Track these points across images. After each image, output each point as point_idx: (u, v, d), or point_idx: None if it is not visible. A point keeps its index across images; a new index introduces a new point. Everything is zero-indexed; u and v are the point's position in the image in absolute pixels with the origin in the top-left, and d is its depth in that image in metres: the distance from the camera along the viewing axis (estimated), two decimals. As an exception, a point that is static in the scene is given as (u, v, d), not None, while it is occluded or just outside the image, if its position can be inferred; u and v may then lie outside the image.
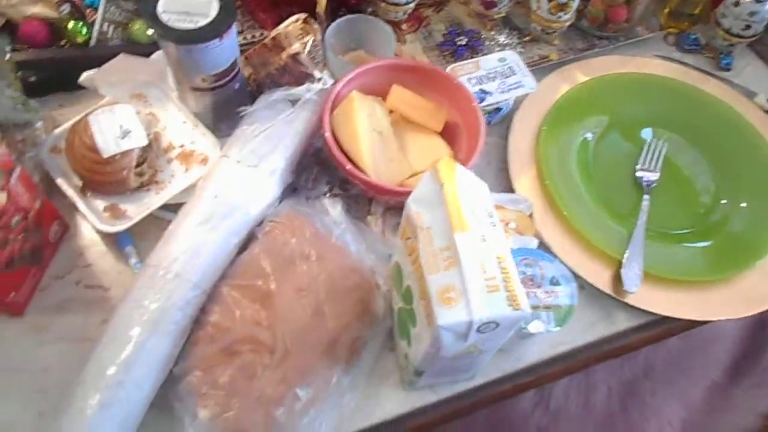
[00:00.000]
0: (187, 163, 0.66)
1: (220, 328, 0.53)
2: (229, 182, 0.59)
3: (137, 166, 0.63)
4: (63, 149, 0.63)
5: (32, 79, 0.70)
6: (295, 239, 0.57)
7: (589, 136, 0.76)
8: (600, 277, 0.66)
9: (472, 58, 0.80)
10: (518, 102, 0.77)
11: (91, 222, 0.61)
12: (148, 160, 0.64)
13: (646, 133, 0.77)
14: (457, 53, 0.81)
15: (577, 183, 0.72)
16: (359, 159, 0.62)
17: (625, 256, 0.66)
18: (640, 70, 0.81)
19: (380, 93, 0.67)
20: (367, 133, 0.63)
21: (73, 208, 0.62)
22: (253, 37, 0.82)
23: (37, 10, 0.68)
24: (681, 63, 0.84)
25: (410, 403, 0.58)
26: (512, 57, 0.75)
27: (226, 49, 0.61)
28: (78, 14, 0.71)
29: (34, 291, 0.60)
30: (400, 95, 0.67)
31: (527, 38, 0.84)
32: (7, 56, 0.63)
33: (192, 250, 0.55)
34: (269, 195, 0.60)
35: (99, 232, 0.62)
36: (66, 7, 0.70)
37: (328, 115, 0.64)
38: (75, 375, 0.51)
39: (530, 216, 0.63)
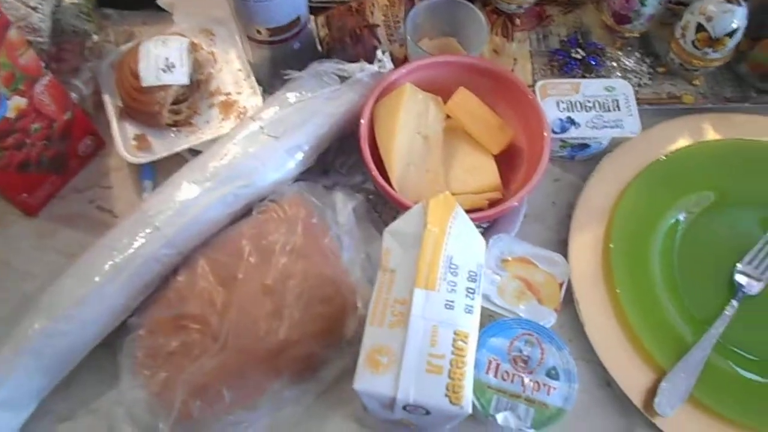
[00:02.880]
0: (226, 112, 0.63)
1: (179, 295, 0.51)
2: (244, 147, 0.55)
3: (176, 103, 0.61)
4: (116, 66, 0.63)
5: (125, -10, 0.71)
6: (284, 229, 0.52)
7: (688, 209, 0.60)
8: (634, 381, 0.53)
9: (584, 76, 0.68)
10: (616, 143, 0.63)
11: (117, 146, 0.60)
12: (190, 100, 0.62)
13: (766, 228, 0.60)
14: (567, 67, 0.69)
15: (649, 260, 0.58)
16: (388, 160, 0.55)
17: (674, 367, 0.52)
18: (796, 145, 0.63)
19: (445, 92, 0.58)
20: (408, 135, 0.55)
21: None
22: (357, -5, 0.75)
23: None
24: None
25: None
26: (623, 88, 0.61)
27: (284, 4, 0.55)
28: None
29: (50, 197, 0.61)
30: (463, 101, 0.57)
31: (661, 69, 0.68)
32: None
33: (180, 207, 0.52)
34: (282, 172, 0.55)
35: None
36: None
37: (373, 101, 0.56)
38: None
39: (561, 285, 0.52)
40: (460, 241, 0.39)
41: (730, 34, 0.60)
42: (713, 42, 0.61)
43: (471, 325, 0.37)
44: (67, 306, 0.49)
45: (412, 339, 0.36)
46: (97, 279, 0.50)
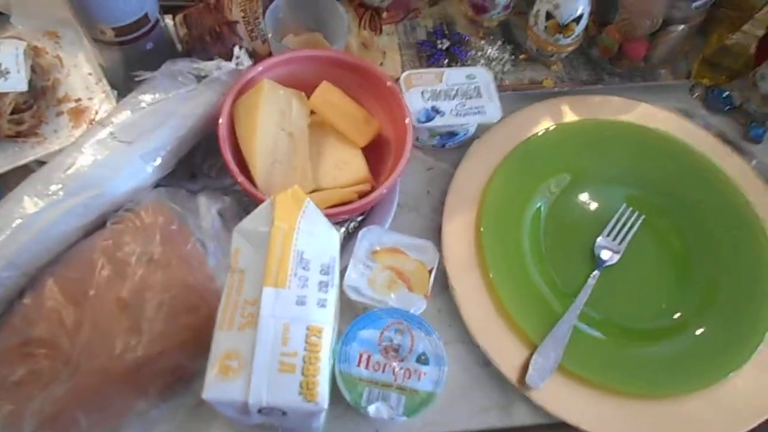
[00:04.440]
0: (77, 120, 0.59)
1: (26, 319, 0.46)
2: (92, 155, 0.51)
3: (16, 112, 0.56)
4: (-54, 77, 0.57)
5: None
6: (141, 238, 0.49)
7: (549, 189, 0.63)
8: (510, 359, 0.55)
9: (449, 66, 0.69)
10: (483, 129, 0.65)
11: (-50, 163, 0.55)
12: (34, 109, 0.57)
13: (621, 202, 0.63)
14: (433, 57, 0.70)
15: (518, 240, 0.60)
16: (250, 159, 0.53)
17: (544, 340, 0.54)
18: (644, 122, 0.67)
19: (308, 87, 0.58)
20: (270, 132, 0.54)
21: (-57, 143, 0.56)
22: (218, -7, 0.73)
23: None
24: (702, 123, 0.70)
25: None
26: (483, 76, 0.63)
27: (128, 1, 0.52)
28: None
29: None
30: (326, 94, 0.57)
31: (522, 56, 0.71)
32: None
33: (22, 223, 0.48)
34: (138, 179, 0.52)
35: (-40, 176, 0.56)
36: None
37: (231, 100, 0.54)
38: None
39: (430, 272, 0.52)
40: (312, 235, 0.39)
41: (577, 20, 0.63)
42: (562, 28, 0.64)
43: (325, 319, 0.37)
44: None
45: (262, 340, 0.35)
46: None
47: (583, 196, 0.63)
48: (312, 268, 0.38)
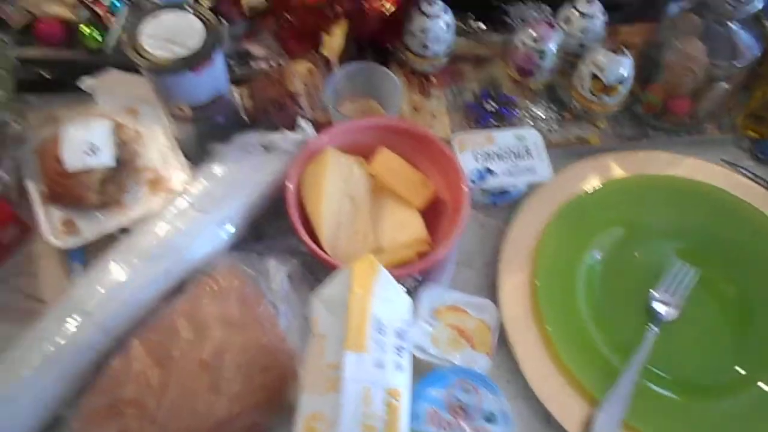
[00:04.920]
0: (155, 189, 0.63)
1: (115, 381, 0.50)
2: (174, 224, 0.55)
3: (102, 184, 0.61)
4: (39, 152, 0.63)
5: (46, 75, 0.71)
6: (219, 301, 0.52)
7: (602, 244, 0.64)
8: (571, 414, 0.55)
9: (498, 127, 0.72)
10: (534, 187, 0.67)
11: (43, 232, 0.59)
12: (117, 180, 0.62)
13: (674, 255, 0.64)
14: (482, 119, 0.73)
15: (573, 294, 0.61)
16: (317, 224, 0.56)
17: (606, 396, 0.55)
18: (693, 176, 0.69)
19: (368, 153, 0.61)
20: (335, 197, 0.57)
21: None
22: (279, 65, 0.78)
23: (56, 9, 0.69)
24: (750, 175, 0.71)
25: None
26: (533, 137, 0.66)
27: (204, 82, 0.57)
28: (96, 20, 0.71)
29: (-25, 290, 0.59)
30: (385, 160, 0.60)
31: (567, 115, 0.74)
32: (8, 53, 0.64)
33: (111, 290, 0.52)
34: (213, 245, 0.56)
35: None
36: (85, 12, 0.70)
37: (299, 168, 0.58)
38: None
39: (491, 330, 0.54)
40: (386, 301, 0.41)
41: (621, 81, 0.66)
42: (607, 89, 0.67)
43: (402, 382, 0.39)
44: (-5, 404, 0.47)
45: (345, 402, 0.37)
46: (26, 373, 0.48)
47: (637, 250, 0.64)
48: (388, 333, 0.40)
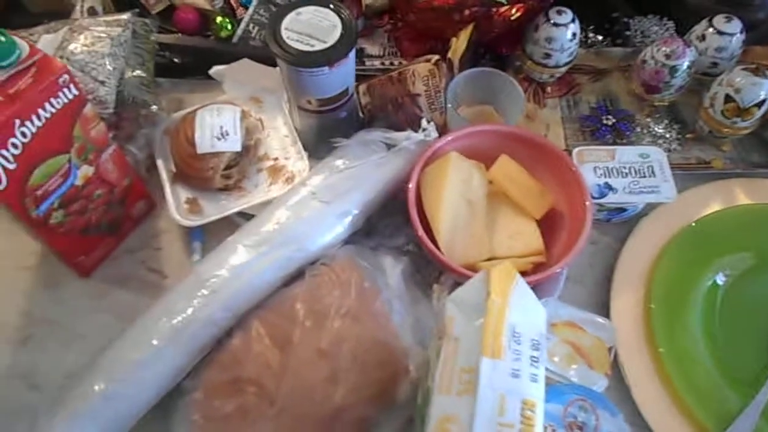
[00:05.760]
0: (274, 177, 0.65)
1: (235, 358, 0.52)
2: (296, 212, 0.57)
3: (227, 168, 0.64)
4: (171, 133, 0.66)
5: (176, 60, 0.75)
6: (338, 292, 0.53)
7: (727, 270, 0.62)
8: (685, 448, 0.53)
9: (615, 142, 0.71)
10: (651, 206, 0.65)
11: (169, 209, 0.62)
12: (240, 165, 0.65)
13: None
14: (598, 133, 0.72)
15: (691, 321, 0.59)
16: (435, 225, 0.57)
17: (725, 433, 0.53)
18: (827, 210, 0.65)
19: (486, 159, 0.61)
20: (454, 200, 0.57)
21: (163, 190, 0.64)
22: (392, 64, 0.79)
23: (195, -1, 0.72)
24: None
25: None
26: (657, 156, 0.63)
27: (336, 77, 0.59)
28: (228, 10, 0.74)
29: (104, 258, 0.63)
30: (505, 167, 0.60)
31: (690, 135, 0.71)
32: (153, 37, 0.67)
33: (236, 270, 0.54)
34: (332, 235, 0.57)
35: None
36: (219, 2, 0.73)
37: (419, 168, 0.59)
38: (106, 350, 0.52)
39: (609, 350, 0.52)
40: (522, 310, 0.41)
41: (758, 105, 0.63)
42: (742, 112, 0.64)
43: (538, 394, 0.38)
44: (127, 368, 0.50)
45: (481, 408, 0.37)
46: (155, 342, 0.51)
47: (764, 280, 0.61)
48: (523, 342, 0.40)
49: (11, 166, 0.46)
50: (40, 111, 0.46)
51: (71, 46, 0.59)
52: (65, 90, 0.47)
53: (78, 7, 0.72)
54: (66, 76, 0.47)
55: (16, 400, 0.55)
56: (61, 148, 0.50)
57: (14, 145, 0.46)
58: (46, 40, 0.59)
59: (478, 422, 0.37)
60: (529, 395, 0.38)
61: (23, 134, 0.46)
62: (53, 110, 0.47)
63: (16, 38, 0.46)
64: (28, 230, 0.55)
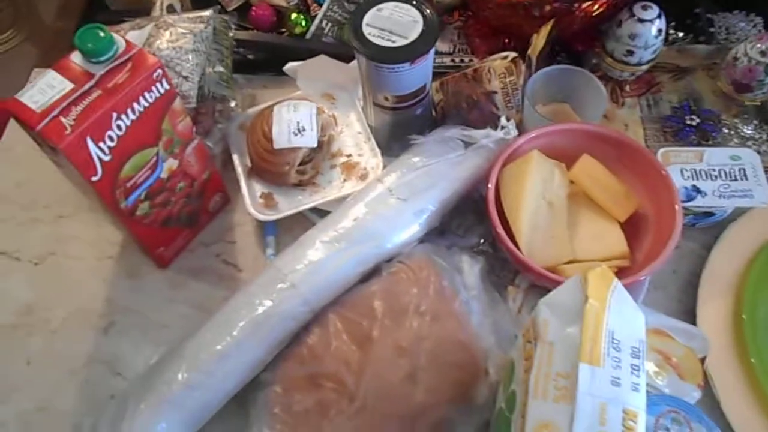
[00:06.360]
0: (348, 173, 0.65)
1: (313, 353, 0.52)
2: (373, 209, 0.57)
3: (302, 164, 0.64)
4: (247, 128, 0.67)
5: (250, 56, 0.76)
6: (416, 290, 0.53)
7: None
8: (777, 465, 0.50)
9: (699, 143, 0.68)
10: (739, 211, 0.62)
11: (245, 203, 0.63)
12: (314, 161, 0.65)
13: None
14: (681, 133, 0.69)
15: (785, 335, 0.56)
16: (516, 224, 0.55)
17: (824, 454, 0.49)
18: None
19: (567, 158, 0.59)
20: (534, 200, 0.56)
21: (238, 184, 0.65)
22: (462, 61, 0.78)
23: (272, -4, 0.73)
24: None
25: None
26: (750, 158, 0.60)
27: (415, 74, 0.58)
28: (303, 7, 0.74)
29: (182, 250, 0.64)
30: (587, 167, 0.58)
31: (782, 137, 0.68)
32: (231, 33, 0.68)
33: (314, 265, 0.54)
34: (409, 233, 0.57)
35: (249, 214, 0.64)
36: (295, -1, 0.73)
37: (499, 167, 0.57)
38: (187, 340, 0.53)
39: (702, 360, 0.50)
40: (620, 316, 0.39)
41: None
42: (844, 112, 0.60)
43: (639, 404, 0.36)
44: (209, 359, 0.51)
45: (580, 417, 0.36)
46: (235, 333, 0.51)
47: None
48: (623, 349, 0.38)
49: (107, 158, 0.48)
50: (135, 105, 0.47)
51: (157, 42, 0.60)
52: (158, 84, 0.48)
53: (158, 5, 0.74)
54: (159, 71, 0.48)
55: (103, 385, 0.57)
56: (150, 141, 0.51)
57: (110, 138, 0.47)
58: (133, 36, 0.61)
59: (578, 430, 0.35)
60: (630, 405, 0.36)
61: (119, 127, 0.47)
62: (147, 104, 0.48)
63: (114, 34, 0.47)
64: (114, 221, 0.56)
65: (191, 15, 0.64)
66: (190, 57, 0.60)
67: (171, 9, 0.74)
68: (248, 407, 0.52)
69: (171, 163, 0.55)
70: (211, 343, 0.52)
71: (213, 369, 0.51)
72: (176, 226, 0.61)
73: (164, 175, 0.55)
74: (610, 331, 0.38)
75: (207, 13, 0.64)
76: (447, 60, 0.78)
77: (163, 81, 0.49)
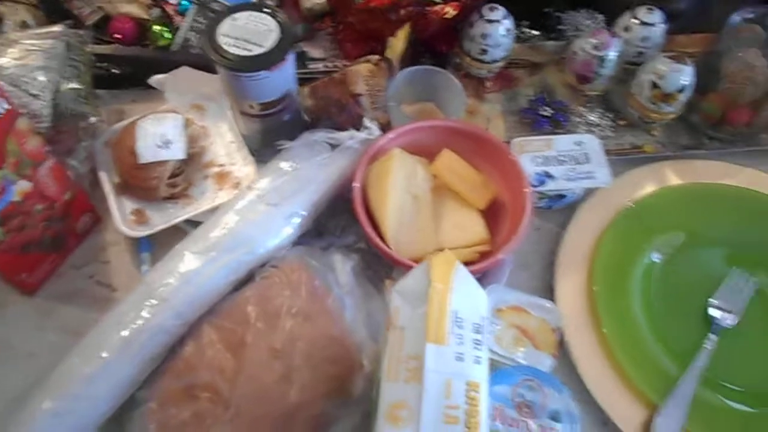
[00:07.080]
0: (221, 183, 0.65)
1: (188, 365, 0.52)
2: (244, 216, 0.57)
3: (172, 176, 0.63)
4: (113, 144, 0.65)
5: (115, 71, 0.74)
6: (289, 292, 0.54)
7: (661, 249, 0.65)
8: (629, 418, 0.56)
9: (553, 132, 0.73)
10: (589, 192, 0.68)
11: (115, 221, 0.62)
12: (185, 173, 0.64)
13: (732, 264, 0.64)
14: (537, 124, 0.74)
15: (630, 300, 0.62)
16: (382, 221, 0.58)
17: (665, 402, 0.55)
18: (751, 186, 0.69)
19: (429, 154, 0.63)
20: (399, 196, 0.59)
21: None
22: (335, 67, 0.80)
23: (130, 9, 0.72)
24: (808, 186, 0.70)
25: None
26: (591, 143, 0.66)
27: (276, 81, 0.59)
28: (165, 19, 0.73)
29: (50, 275, 0.62)
30: (447, 161, 0.62)
31: (622, 122, 0.75)
32: (88, 48, 0.66)
33: (185, 277, 0.54)
34: (281, 238, 0.58)
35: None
36: (156, 11, 0.72)
37: (364, 166, 0.60)
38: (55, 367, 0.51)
39: (554, 331, 0.55)
40: (463, 295, 0.42)
41: (681, 90, 0.66)
42: (666, 97, 0.67)
43: (481, 375, 0.40)
44: (76, 384, 0.49)
45: (428, 392, 0.38)
46: (104, 354, 0.50)
47: (695, 257, 0.64)
48: (466, 327, 0.41)
49: (-58, 185, 0.45)
50: (-30, 127, 0.46)
51: (1, 61, 0.57)
52: (-5, 105, 0.47)
53: (10, 22, 0.70)
54: (-6, 91, 0.46)
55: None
56: (-6, 164, 0.49)
57: (-56, 163, 0.45)
58: (-26, 56, 0.58)
59: (426, 406, 0.38)
60: (472, 377, 0.39)
61: (-47, 151, 0.45)
62: (-17, 126, 0.46)
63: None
64: (-35, 250, 0.53)
65: (40, 31, 0.62)
66: (40, 74, 0.58)
67: (24, 25, 0.71)
68: (124, 427, 0.52)
69: (23, 186, 0.53)
70: (78, 367, 0.50)
71: (81, 393, 0.49)
72: (39, 251, 0.59)
73: (17, 198, 0.53)
74: (454, 311, 0.41)
75: (58, 28, 0.62)
76: (320, 65, 0.80)
77: (1, 101, 0.47)
